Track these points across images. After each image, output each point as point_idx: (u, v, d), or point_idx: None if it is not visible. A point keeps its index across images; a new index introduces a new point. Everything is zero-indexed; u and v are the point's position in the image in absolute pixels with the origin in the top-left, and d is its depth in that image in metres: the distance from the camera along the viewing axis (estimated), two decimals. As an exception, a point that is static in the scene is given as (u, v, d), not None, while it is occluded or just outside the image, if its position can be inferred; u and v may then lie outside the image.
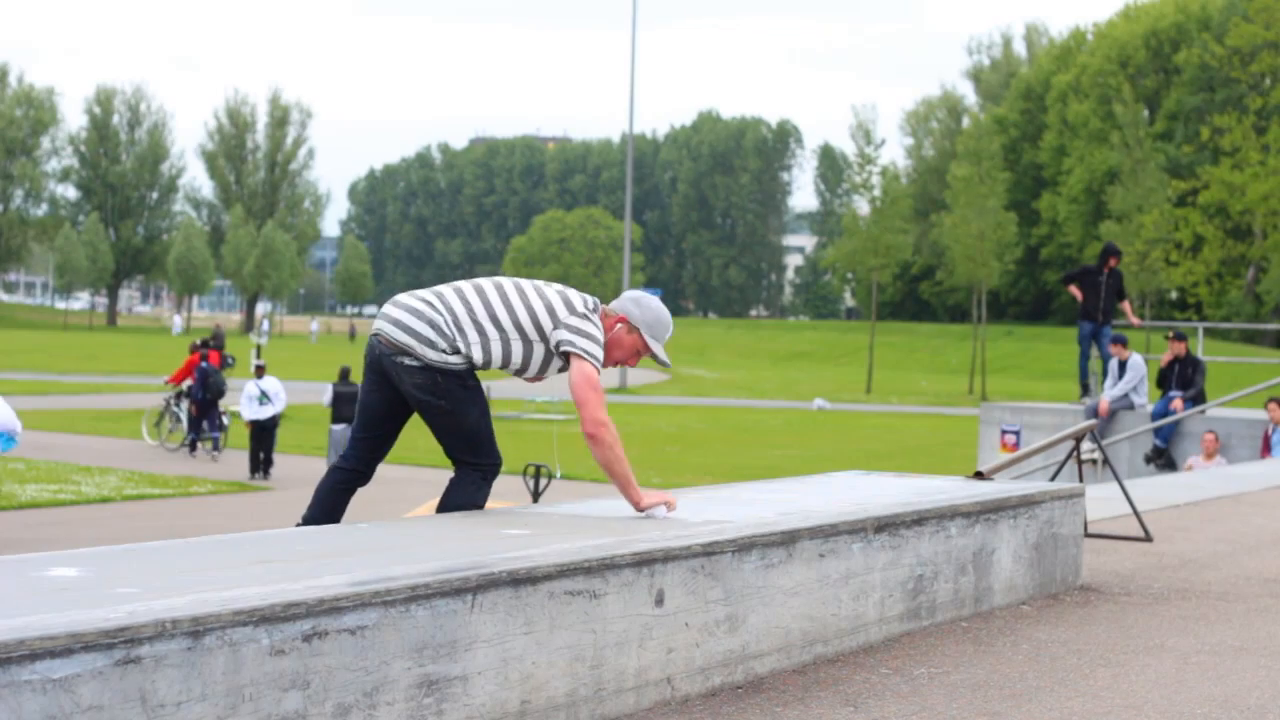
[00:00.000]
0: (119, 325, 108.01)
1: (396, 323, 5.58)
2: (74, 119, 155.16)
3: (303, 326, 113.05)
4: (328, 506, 5.81)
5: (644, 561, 4.68)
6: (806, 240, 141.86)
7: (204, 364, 28.03)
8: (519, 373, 5.74)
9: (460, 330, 5.55)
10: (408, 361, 5.55)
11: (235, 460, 26.05)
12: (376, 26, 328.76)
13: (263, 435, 24.29)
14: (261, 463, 24.20)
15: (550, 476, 14.32)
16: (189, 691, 3.42)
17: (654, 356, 5.82)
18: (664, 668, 4.76)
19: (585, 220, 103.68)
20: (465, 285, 5.72)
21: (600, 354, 5.60)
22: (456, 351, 5.55)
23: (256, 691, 3.56)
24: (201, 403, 27.54)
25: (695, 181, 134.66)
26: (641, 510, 5.58)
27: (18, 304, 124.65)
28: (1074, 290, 20.39)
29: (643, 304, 5.84)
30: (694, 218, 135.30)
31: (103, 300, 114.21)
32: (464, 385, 5.61)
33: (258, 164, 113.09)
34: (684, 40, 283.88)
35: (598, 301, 5.77)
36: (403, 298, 5.70)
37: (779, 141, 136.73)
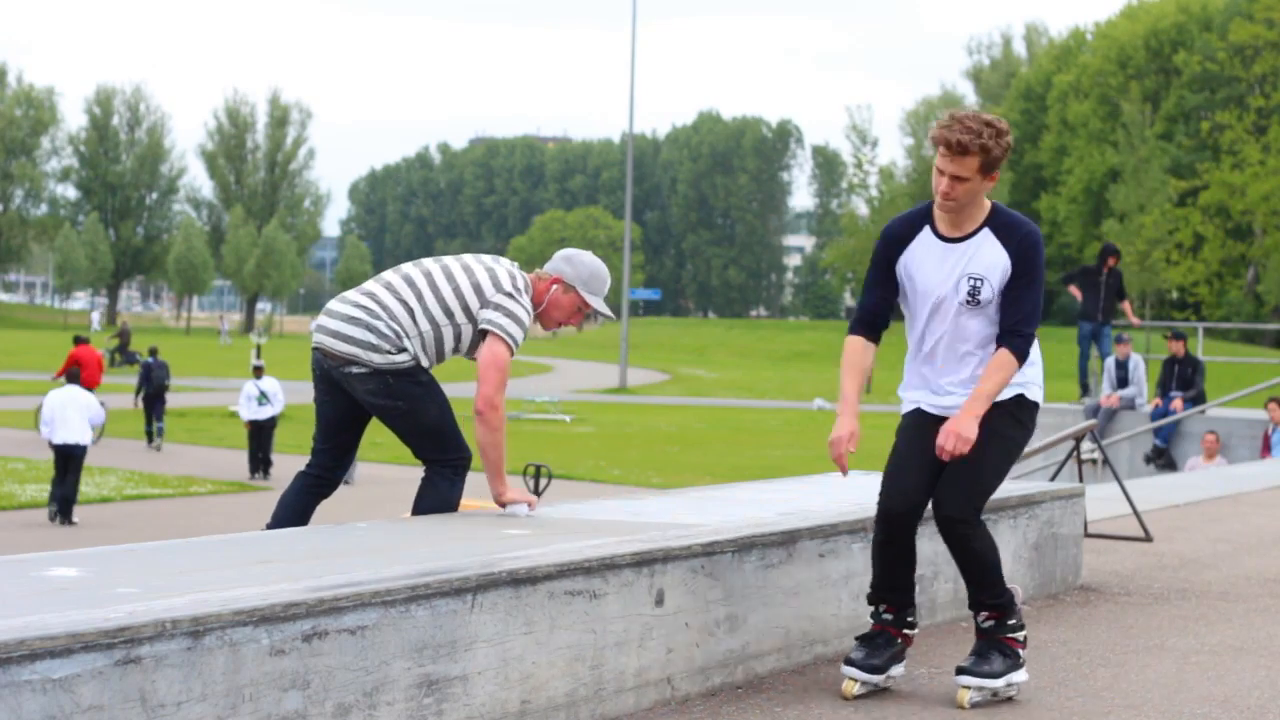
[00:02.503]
0: (119, 326, 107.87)
1: (336, 334, 5.50)
2: (74, 119, 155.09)
3: (303, 327, 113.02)
4: (294, 513, 5.70)
5: (644, 561, 4.68)
6: (806, 240, 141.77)
7: (150, 359, 29.18)
8: (466, 353, 5.69)
9: (402, 330, 5.48)
10: (356, 370, 5.48)
11: (235, 460, 26.04)
12: (376, 26, 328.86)
13: (261, 435, 24.29)
14: (261, 463, 24.21)
15: (550, 476, 14.32)
16: (189, 691, 3.42)
17: (595, 312, 5.77)
18: (664, 668, 4.76)
19: (585, 220, 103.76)
20: (394, 278, 5.61)
21: (519, 335, 5.54)
22: (402, 350, 5.48)
23: (256, 691, 3.56)
24: (146, 397, 28.70)
25: (695, 181, 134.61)
26: (502, 505, 5.60)
27: (18, 304, 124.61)
28: (1074, 290, 20.37)
29: (574, 261, 5.77)
30: (694, 218, 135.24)
31: (103, 300, 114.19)
32: (417, 382, 5.54)
33: (258, 164, 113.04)
34: (684, 39, 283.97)
35: (526, 278, 5.68)
36: (335, 305, 5.60)
37: (779, 141, 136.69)
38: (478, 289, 5.54)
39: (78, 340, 29.62)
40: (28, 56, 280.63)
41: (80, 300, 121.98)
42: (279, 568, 4.19)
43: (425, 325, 5.50)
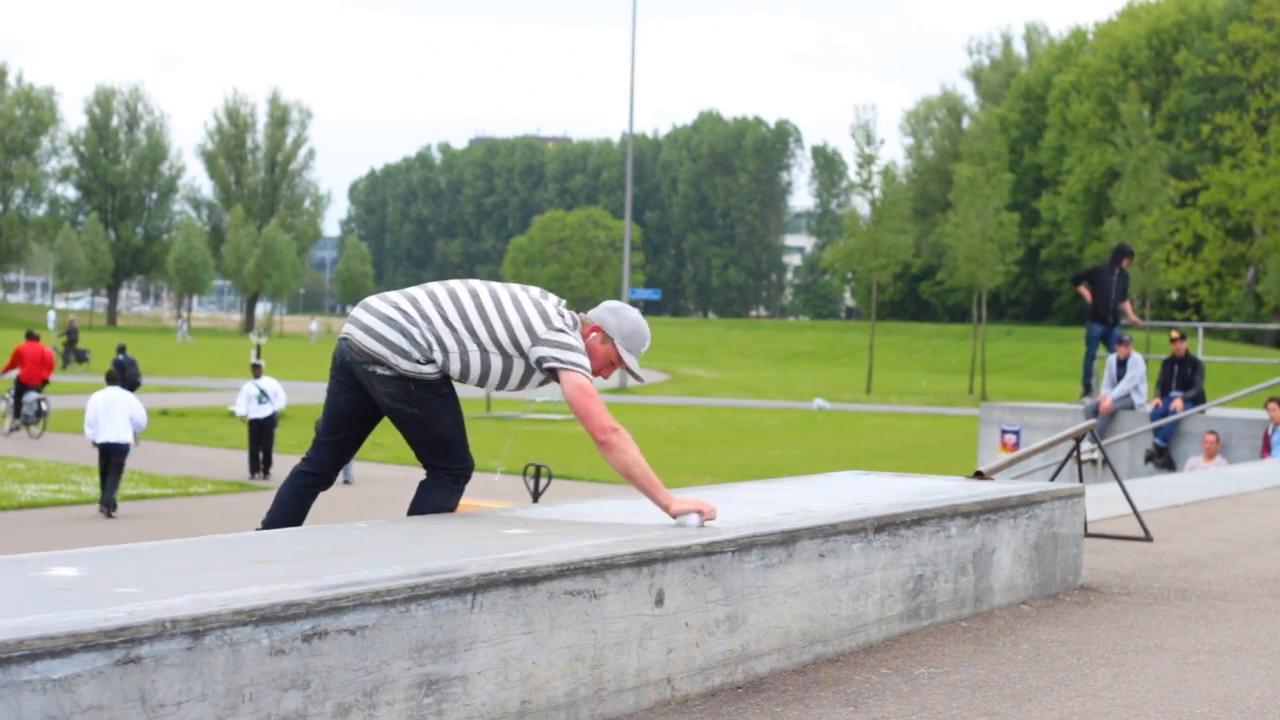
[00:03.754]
0: (119, 325, 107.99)
1: (369, 330, 5.42)
2: (73, 119, 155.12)
3: (303, 326, 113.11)
4: (290, 510, 5.64)
5: (644, 561, 4.68)
6: (806, 240, 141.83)
7: (120, 356, 29.81)
8: (498, 387, 5.59)
9: (437, 341, 5.39)
10: (380, 370, 5.41)
11: (235, 460, 26.05)
12: (376, 26, 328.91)
13: (261, 435, 24.31)
14: (261, 462, 24.22)
15: (550, 476, 14.33)
16: (189, 691, 3.42)
17: (627, 369, 5.65)
18: (664, 668, 4.76)
19: (585, 220, 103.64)
20: (440, 291, 5.52)
21: (587, 363, 5.43)
22: (431, 362, 5.40)
23: (256, 691, 3.56)
24: None
25: (695, 181, 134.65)
26: (674, 516, 5.32)
27: (18, 304, 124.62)
28: (1083, 291, 20.29)
29: (620, 315, 5.64)
30: (694, 218, 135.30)
31: (103, 300, 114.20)
32: (438, 393, 5.48)
33: (258, 164, 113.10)
34: (684, 38, 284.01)
35: (575, 315, 5.59)
36: (375, 303, 5.52)
37: (779, 141, 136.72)
38: (528, 326, 5.44)
39: (29, 335, 30.21)
40: (28, 56, 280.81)
41: (80, 300, 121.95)
42: (279, 568, 4.19)
43: (468, 345, 5.40)
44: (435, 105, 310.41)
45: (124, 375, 29.23)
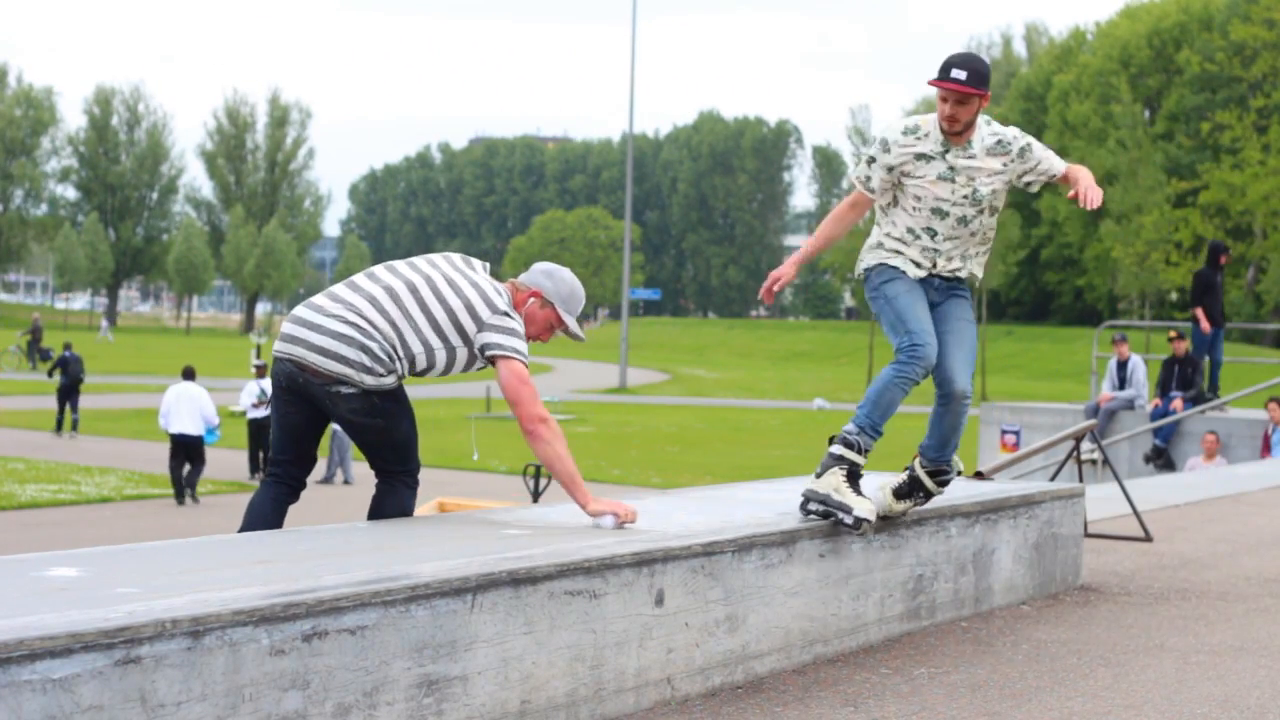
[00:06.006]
0: (119, 325, 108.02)
1: (325, 351, 5.27)
2: (73, 119, 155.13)
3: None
4: (268, 521, 5.55)
5: (644, 561, 4.68)
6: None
7: (66, 353, 30.78)
8: (442, 374, 5.56)
9: (396, 350, 5.31)
10: (345, 390, 5.30)
11: (235, 460, 26.06)
12: (376, 25, 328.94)
13: (261, 435, 24.28)
14: (261, 462, 24.20)
15: (550, 476, 14.32)
16: (189, 691, 3.42)
17: (567, 331, 5.64)
18: (664, 668, 4.76)
19: (585, 220, 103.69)
20: (376, 291, 5.38)
21: (525, 348, 5.41)
22: (393, 372, 5.35)
23: (256, 691, 3.56)
24: (62, 388, 30.18)
25: (695, 181, 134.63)
26: (591, 515, 5.32)
27: (18, 304, 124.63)
28: (1200, 314, 18.79)
29: (556, 278, 5.62)
30: (694, 218, 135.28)
31: (103, 300, 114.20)
32: (397, 400, 5.43)
33: (258, 164, 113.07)
34: (684, 37, 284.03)
35: (507, 286, 5.55)
36: (320, 320, 5.33)
37: (779, 141, 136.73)
38: (471, 310, 5.38)
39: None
40: (27, 56, 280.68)
41: (80, 300, 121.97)
42: (279, 568, 4.19)
43: (417, 348, 5.34)
44: (435, 105, 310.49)
45: (66, 371, 30.19)
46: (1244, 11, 71.41)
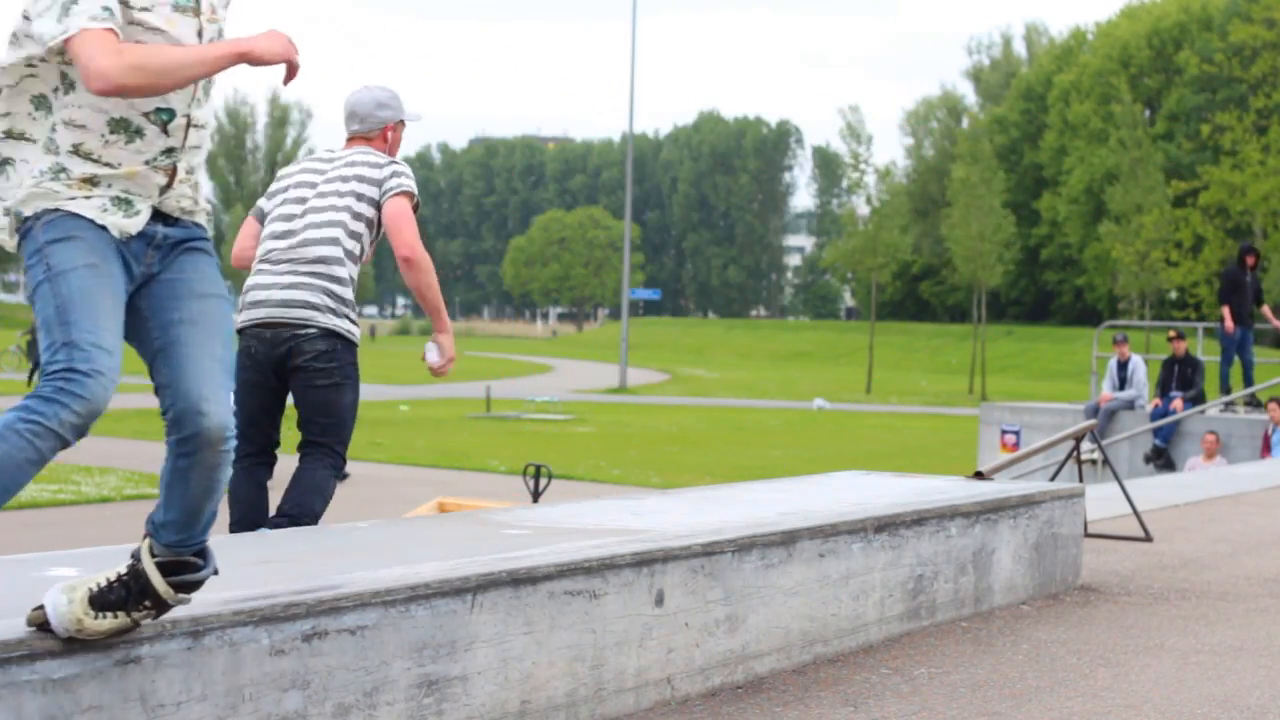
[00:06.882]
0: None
1: (283, 303, 5.54)
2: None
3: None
4: (253, 505, 5.65)
5: (644, 561, 4.68)
6: (806, 240, 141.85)
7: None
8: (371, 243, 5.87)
9: (345, 298, 5.59)
10: (306, 332, 5.53)
11: (235, 460, 26.08)
12: (376, 25, 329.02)
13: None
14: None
15: (550, 476, 14.34)
16: (189, 691, 3.42)
17: (404, 122, 6.08)
18: (664, 668, 4.76)
19: (585, 220, 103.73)
20: (300, 228, 5.65)
21: (413, 184, 5.73)
22: (347, 316, 5.61)
23: (256, 691, 3.56)
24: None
25: (695, 181, 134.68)
26: (439, 336, 5.71)
27: (18, 304, 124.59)
28: (1226, 313, 18.85)
29: (391, 103, 6.03)
30: (694, 218, 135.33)
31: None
32: (354, 364, 5.65)
33: (257, 164, 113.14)
34: (685, 36, 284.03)
35: (362, 143, 5.91)
36: (268, 280, 5.62)
37: (779, 141, 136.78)
38: (375, 181, 5.68)
39: None
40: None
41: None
42: (279, 568, 4.19)
43: (358, 243, 5.68)
44: (435, 105, 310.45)
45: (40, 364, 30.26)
46: (1244, 11, 71.40)
